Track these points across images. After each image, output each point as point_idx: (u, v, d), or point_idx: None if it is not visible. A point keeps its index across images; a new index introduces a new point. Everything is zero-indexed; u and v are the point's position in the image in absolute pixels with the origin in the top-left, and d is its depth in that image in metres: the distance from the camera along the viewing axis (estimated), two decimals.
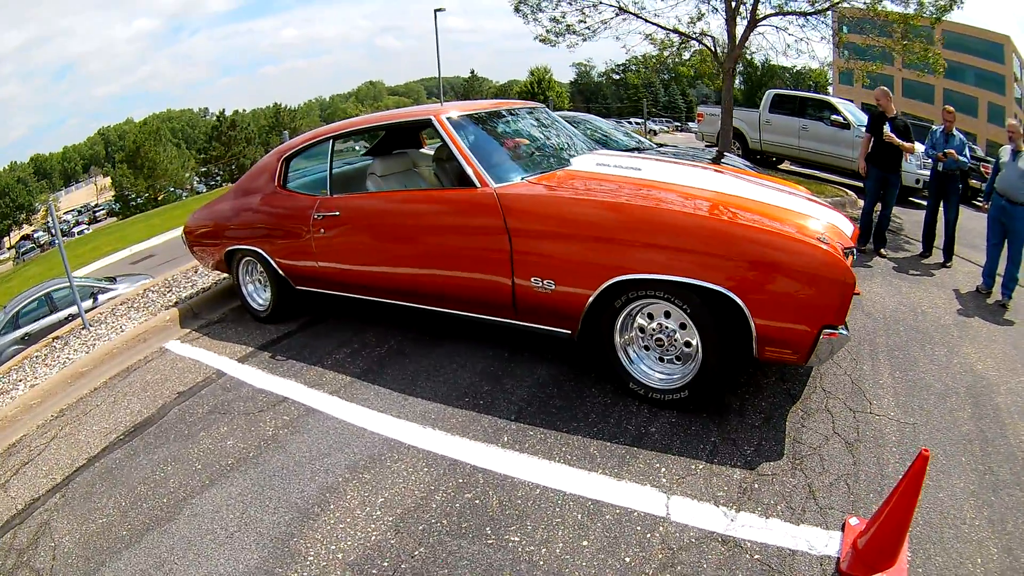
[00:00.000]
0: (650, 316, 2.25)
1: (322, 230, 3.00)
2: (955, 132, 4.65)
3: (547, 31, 8.54)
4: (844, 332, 1.90)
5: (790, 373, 2.51)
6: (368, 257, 2.90)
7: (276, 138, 45.25)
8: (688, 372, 2.20)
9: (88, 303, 7.16)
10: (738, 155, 7.87)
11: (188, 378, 3.06)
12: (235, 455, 2.31)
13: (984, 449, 2.03)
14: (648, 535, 1.69)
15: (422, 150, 3.81)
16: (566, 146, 3.06)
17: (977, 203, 7.75)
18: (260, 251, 3.37)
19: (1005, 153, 4.05)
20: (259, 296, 3.71)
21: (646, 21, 8.02)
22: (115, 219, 35.41)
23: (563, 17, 8.27)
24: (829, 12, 7.37)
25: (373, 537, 1.77)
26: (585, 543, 1.67)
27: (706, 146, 10.37)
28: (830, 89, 22.63)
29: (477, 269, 2.49)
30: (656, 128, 29.01)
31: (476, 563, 1.63)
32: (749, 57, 8.68)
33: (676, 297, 2.09)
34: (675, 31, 8.04)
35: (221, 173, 38.32)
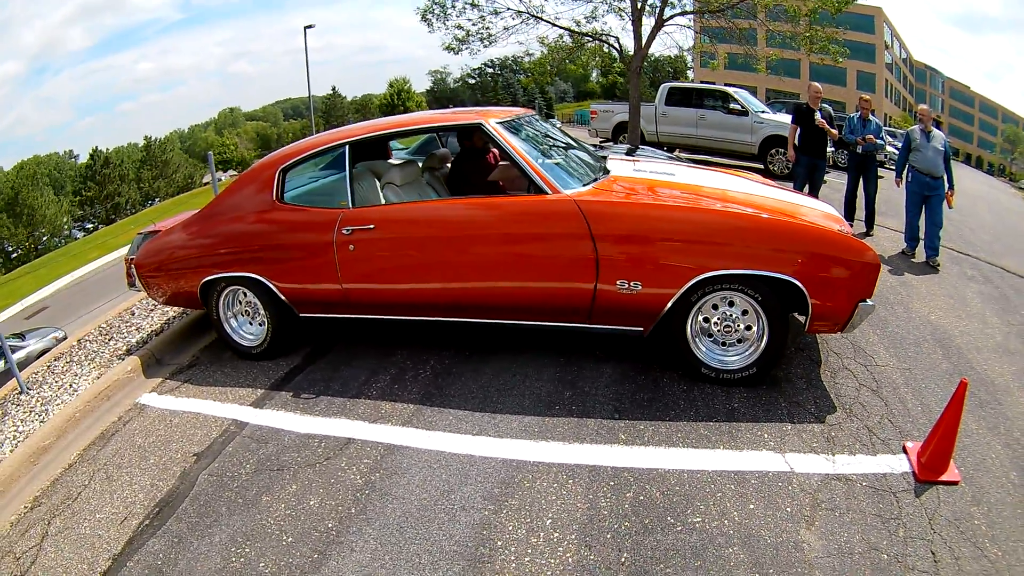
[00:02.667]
0: (714, 307, 2.74)
1: (352, 247, 2.86)
2: (871, 117, 5.88)
3: (454, 38, 8.88)
4: (871, 303, 2.62)
5: (804, 344, 3.26)
6: (418, 272, 2.87)
7: (149, 172, 43.84)
8: (751, 352, 2.75)
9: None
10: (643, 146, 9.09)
11: (198, 435, 2.67)
12: (331, 516, 2.14)
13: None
14: (790, 487, 2.15)
15: (389, 161, 3.82)
16: (581, 150, 3.43)
17: (889, 168, 9.79)
18: (256, 277, 3.05)
19: (916, 134, 5.11)
20: (246, 330, 3.36)
21: (553, 24, 8.83)
22: None
23: (469, 23, 8.70)
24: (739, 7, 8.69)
25: (569, 559, 1.89)
26: (752, 506, 2.06)
27: (600, 141, 11.73)
28: (689, 74, 26.39)
29: (556, 276, 2.70)
30: None
31: (681, 549, 1.90)
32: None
33: (748, 287, 2.61)
34: (583, 33, 9.01)
35: (98, 216, 37.80)
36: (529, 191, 2.73)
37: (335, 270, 2.92)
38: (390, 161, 3.60)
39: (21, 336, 8.60)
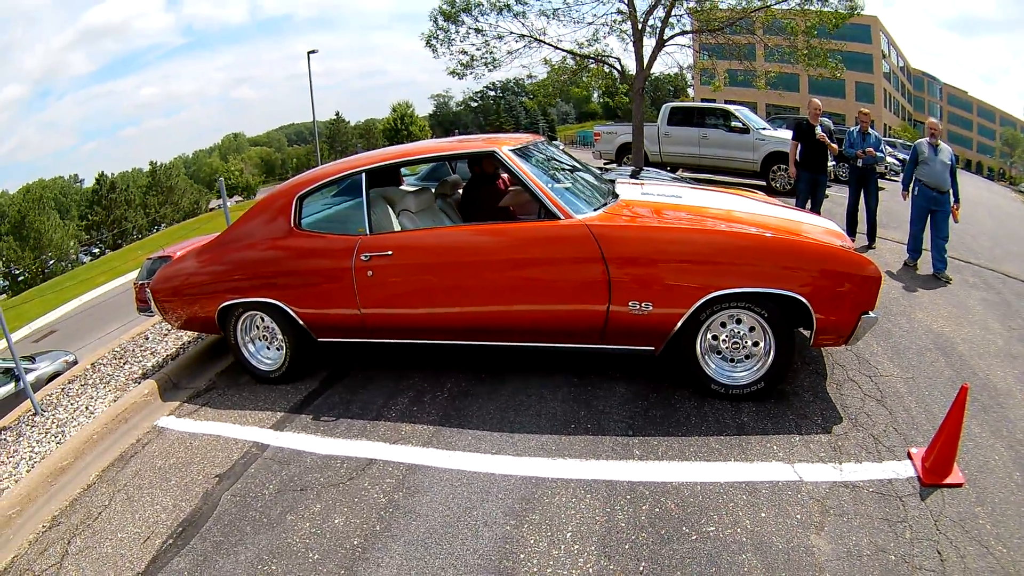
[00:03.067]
0: (723, 325, 2.87)
1: (370, 272, 3.03)
2: (870, 131, 6.05)
3: (458, 63, 9.23)
4: (874, 315, 2.75)
5: (810, 357, 3.38)
6: (435, 297, 3.03)
7: (155, 197, 44.94)
8: (759, 367, 2.87)
9: (11, 386, 7.32)
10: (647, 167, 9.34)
11: (219, 457, 2.81)
12: (356, 533, 2.26)
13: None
14: (799, 495, 2.26)
15: (403, 188, 4.02)
16: (589, 174, 3.61)
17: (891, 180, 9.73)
18: (275, 302, 3.22)
19: (924, 147, 5.19)
20: (264, 354, 3.51)
21: (555, 48, 9.16)
22: (3, 296, 35.36)
23: (473, 48, 9.05)
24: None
25: (590, 569, 2.01)
26: (763, 514, 2.17)
27: (605, 163, 11.98)
28: (690, 91, 26.86)
29: (569, 299, 2.85)
30: None
31: (697, 557, 2.01)
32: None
33: (754, 305, 2.75)
34: (585, 56, 9.34)
35: (105, 240, 38.82)
36: (541, 216, 2.89)
37: (353, 295, 3.09)
38: (404, 188, 3.79)
39: (31, 359, 8.74)
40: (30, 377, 7.43)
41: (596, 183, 3.46)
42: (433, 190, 3.77)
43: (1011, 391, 3.11)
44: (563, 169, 3.45)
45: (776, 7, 9.08)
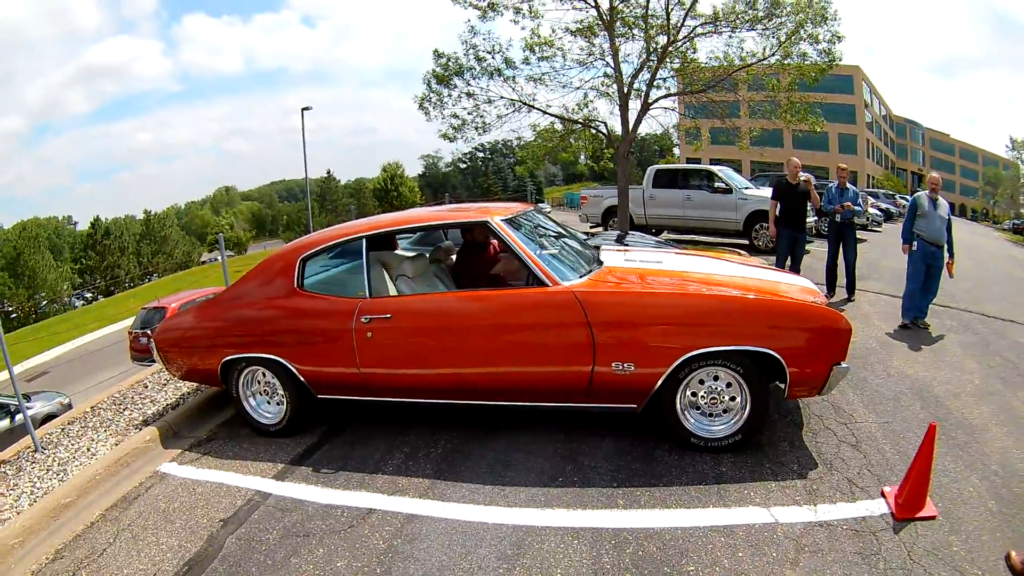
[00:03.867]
0: (701, 382, 3.11)
1: (369, 334, 3.30)
2: (848, 185, 6.45)
3: (450, 127, 9.89)
4: (846, 365, 3.02)
5: (787, 409, 3.63)
6: (431, 359, 3.28)
7: (148, 247, 46.18)
8: (736, 420, 3.09)
9: (6, 423, 7.68)
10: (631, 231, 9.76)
11: (223, 503, 3.00)
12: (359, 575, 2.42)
13: (940, 425, 3.30)
14: (775, 535, 2.47)
15: (399, 252, 4.33)
16: (575, 242, 3.95)
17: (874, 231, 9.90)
18: (277, 359, 3.47)
19: (924, 201, 5.32)
20: (264, 408, 3.73)
21: (544, 112, 9.85)
22: None
23: (464, 112, 9.73)
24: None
25: None
26: (740, 554, 2.37)
27: (591, 226, 12.34)
28: (676, 151, 28.18)
29: (556, 361, 3.10)
30: None
31: None
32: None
33: (730, 362, 3.00)
34: (574, 121, 10.02)
35: (97, 286, 39.33)
36: (530, 282, 3.19)
37: (353, 355, 3.34)
38: (400, 253, 4.12)
39: (27, 397, 8.86)
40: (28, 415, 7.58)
41: (581, 250, 3.79)
42: (428, 255, 4.10)
43: (987, 426, 3.39)
44: (550, 237, 3.76)
45: (756, 65, 9.75)
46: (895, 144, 55.00)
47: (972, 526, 2.46)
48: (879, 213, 17.29)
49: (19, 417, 7.59)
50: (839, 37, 9.38)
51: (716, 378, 3.08)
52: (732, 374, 3.03)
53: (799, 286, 3.54)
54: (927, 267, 5.38)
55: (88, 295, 41.32)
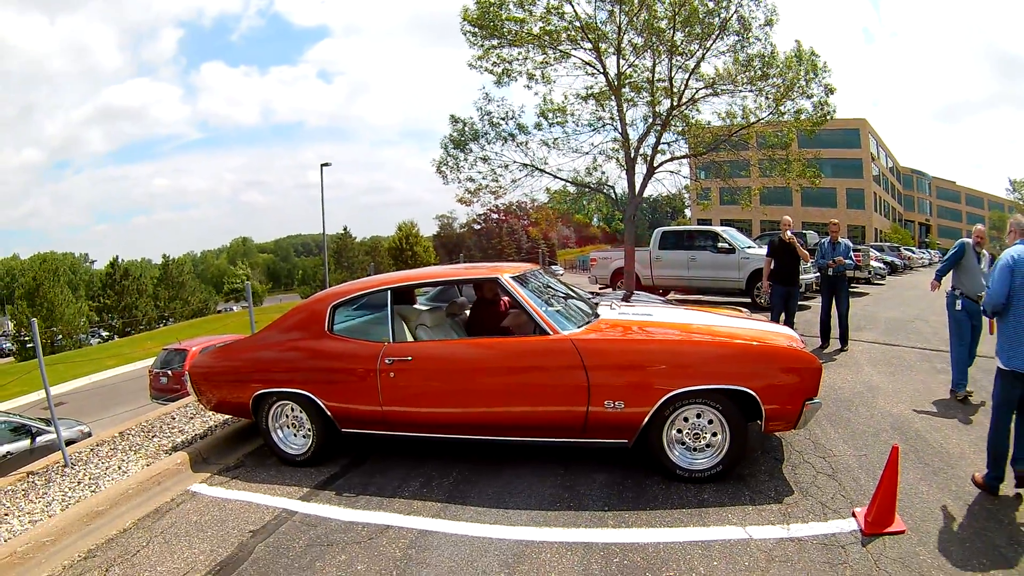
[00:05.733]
0: (685, 419, 3.50)
1: (392, 374, 3.78)
2: (840, 240, 6.87)
3: (465, 191, 10.63)
4: (818, 400, 3.41)
5: (770, 445, 3.98)
6: (446, 398, 3.75)
7: (165, 291, 47.53)
8: (717, 454, 3.46)
9: (26, 443, 7.97)
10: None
11: (252, 517, 3.41)
12: None
13: (918, 455, 3.67)
14: (748, 548, 2.81)
15: (418, 306, 4.86)
16: (576, 297, 4.45)
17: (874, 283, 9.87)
18: (307, 394, 3.94)
19: (970, 249, 4.86)
20: (292, 440, 4.15)
21: (555, 177, 10.55)
22: (11, 359, 37.83)
23: (479, 176, 10.47)
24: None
25: None
26: (715, 563, 2.71)
27: (600, 288, 12.77)
28: (687, 212, 29.09)
29: (556, 401, 3.54)
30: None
31: None
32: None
33: (710, 400, 3.41)
34: (584, 185, 10.69)
35: (115, 325, 40.46)
36: (534, 332, 3.67)
37: (377, 393, 3.81)
38: (419, 307, 4.67)
39: (47, 422, 9.11)
40: (47, 438, 7.88)
41: (580, 305, 4.30)
42: (444, 309, 4.63)
43: (964, 453, 3.73)
44: (555, 293, 4.28)
45: (754, 123, 10.31)
46: (902, 196, 55.59)
47: (942, 537, 2.77)
48: (883, 266, 17.67)
49: (40, 439, 7.91)
50: (831, 90, 9.82)
51: (699, 415, 3.47)
52: (713, 411, 3.42)
53: (773, 332, 3.97)
54: (972, 327, 4.90)
55: (104, 333, 42.35)
